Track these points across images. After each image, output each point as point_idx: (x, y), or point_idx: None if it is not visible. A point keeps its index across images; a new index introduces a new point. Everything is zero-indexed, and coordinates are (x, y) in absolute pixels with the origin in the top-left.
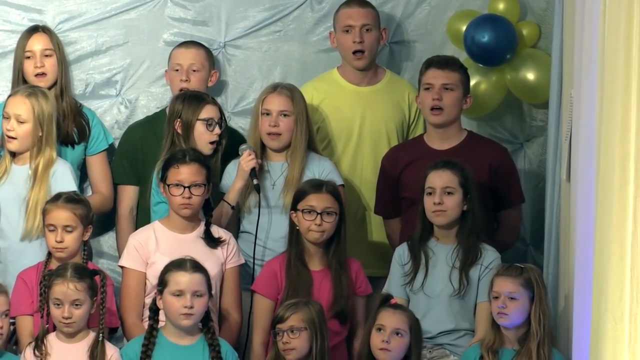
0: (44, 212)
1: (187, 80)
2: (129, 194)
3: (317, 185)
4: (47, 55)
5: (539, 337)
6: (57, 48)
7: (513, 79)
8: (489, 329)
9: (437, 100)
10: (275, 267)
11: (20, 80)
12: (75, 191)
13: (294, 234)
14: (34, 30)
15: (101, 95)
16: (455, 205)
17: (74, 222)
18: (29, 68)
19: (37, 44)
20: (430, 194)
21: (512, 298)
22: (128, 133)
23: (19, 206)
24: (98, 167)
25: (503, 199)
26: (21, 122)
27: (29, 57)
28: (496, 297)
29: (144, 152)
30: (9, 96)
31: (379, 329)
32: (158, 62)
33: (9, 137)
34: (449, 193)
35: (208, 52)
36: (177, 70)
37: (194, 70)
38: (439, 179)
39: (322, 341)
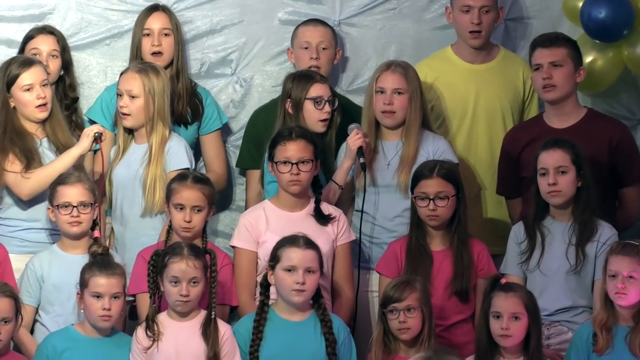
0: (171, 191)
1: (317, 58)
2: (256, 178)
3: (429, 170)
4: (165, 35)
5: None
6: (176, 28)
7: (630, 55)
8: (601, 306)
9: (547, 80)
10: (397, 248)
11: (137, 58)
12: (200, 172)
13: (416, 216)
14: (154, 8)
15: (216, 75)
16: (570, 184)
17: (203, 203)
18: (146, 46)
19: (156, 22)
20: (543, 174)
21: (630, 277)
22: (253, 118)
23: (134, 184)
24: (212, 146)
25: (624, 176)
26: (133, 97)
27: (147, 35)
28: (613, 276)
29: (269, 135)
30: (121, 74)
31: (497, 316)
32: (273, 41)
33: (123, 113)
34: (562, 172)
35: (333, 30)
36: (305, 48)
37: (323, 49)
38: (551, 158)
39: (431, 320)
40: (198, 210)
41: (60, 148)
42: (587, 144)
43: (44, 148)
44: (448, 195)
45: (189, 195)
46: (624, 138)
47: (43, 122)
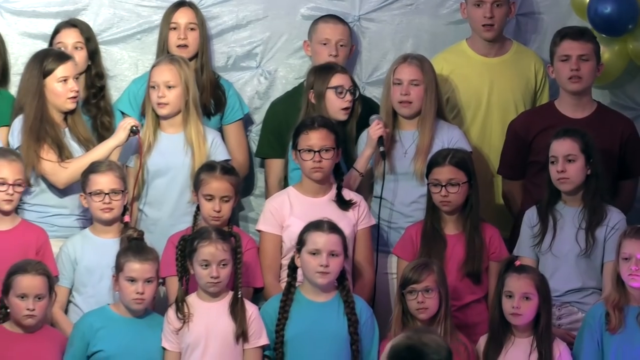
0: (200, 182)
1: (336, 55)
2: (276, 166)
3: (442, 158)
4: (191, 29)
5: None
6: (201, 24)
7: (635, 48)
8: (613, 287)
9: (575, 71)
10: (413, 232)
11: (164, 51)
12: (227, 161)
13: (431, 202)
14: (181, 4)
15: (242, 67)
16: (578, 172)
17: (231, 193)
18: (173, 39)
19: (183, 17)
20: (553, 162)
21: None
22: (271, 109)
23: (177, 171)
24: (234, 136)
25: (627, 169)
26: (170, 87)
27: (174, 29)
28: (626, 259)
29: (288, 125)
30: (152, 67)
31: (509, 296)
32: (296, 35)
33: (161, 104)
34: (570, 160)
35: (350, 27)
36: (324, 44)
37: (342, 46)
38: (560, 147)
39: (447, 301)
40: (226, 200)
41: (81, 140)
42: (601, 136)
43: (68, 138)
44: (459, 182)
45: (218, 186)
46: (633, 133)
47: (65, 115)
